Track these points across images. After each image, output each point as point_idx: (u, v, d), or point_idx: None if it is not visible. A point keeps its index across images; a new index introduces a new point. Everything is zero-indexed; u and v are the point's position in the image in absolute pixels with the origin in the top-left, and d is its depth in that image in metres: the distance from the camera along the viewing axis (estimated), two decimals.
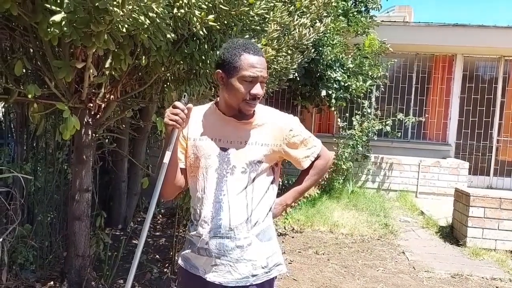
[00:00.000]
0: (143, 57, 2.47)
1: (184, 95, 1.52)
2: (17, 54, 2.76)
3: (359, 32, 7.55)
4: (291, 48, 3.49)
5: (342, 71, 6.99)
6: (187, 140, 1.58)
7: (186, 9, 2.21)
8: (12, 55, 2.91)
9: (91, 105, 2.78)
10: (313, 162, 1.68)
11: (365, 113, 7.94)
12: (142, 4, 1.88)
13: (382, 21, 8.32)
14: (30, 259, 3.21)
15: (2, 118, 3.96)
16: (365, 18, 7.64)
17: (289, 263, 4.10)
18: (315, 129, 8.85)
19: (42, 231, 3.42)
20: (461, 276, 3.98)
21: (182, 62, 2.60)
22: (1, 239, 2.84)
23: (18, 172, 2.96)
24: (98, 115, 2.91)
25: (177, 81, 2.95)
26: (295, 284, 3.65)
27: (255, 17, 2.63)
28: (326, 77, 6.83)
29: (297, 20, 3.44)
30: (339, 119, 8.12)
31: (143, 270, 3.56)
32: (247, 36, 2.71)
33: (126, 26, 1.94)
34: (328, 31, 6.39)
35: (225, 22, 2.50)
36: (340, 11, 7.14)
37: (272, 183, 1.61)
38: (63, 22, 1.84)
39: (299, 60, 3.80)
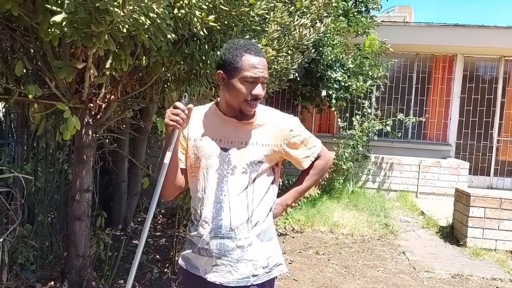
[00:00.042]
0: (144, 57, 2.47)
1: (185, 96, 1.52)
2: (18, 54, 2.76)
3: (359, 32, 7.56)
4: (291, 48, 3.49)
5: (343, 71, 6.99)
6: (188, 140, 1.58)
7: (187, 9, 2.22)
8: (12, 55, 2.91)
9: (92, 105, 2.79)
10: (313, 162, 1.68)
11: (365, 113, 7.94)
12: (142, 4, 1.88)
13: (383, 21, 8.31)
14: (30, 259, 3.21)
15: (3, 118, 3.95)
16: (365, 18, 7.65)
17: (289, 263, 4.10)
18: (315, 129, 8.85)
19: (43, 231, 3.42)
20: (461, 276, 3.98)
21: (182, 63, 2.60)
22: (1, 239, 2.84)
23: (18, 172, 2.96)
24: (99, 115, 2.91)
25: (177, 81, 2.95)
26: (296, 284, 3.65)
27: (255, 17, 2.63)
28: (327, 77, 6.83)
29: (297, 20, 3.44)
30: (339, 119, 8.12)
31: (144, 270, 3.56)
32: (248, 36, 2.71)
33: (126, 26, 1.94)
34: (329, 31, 6.39)
35: (226, 22, 2.50)
36: (340, 11, 7.14)
37: (272, 183, 1.62)
38: (64, 23, 1.84)
39: (300, 60, 3.81)
